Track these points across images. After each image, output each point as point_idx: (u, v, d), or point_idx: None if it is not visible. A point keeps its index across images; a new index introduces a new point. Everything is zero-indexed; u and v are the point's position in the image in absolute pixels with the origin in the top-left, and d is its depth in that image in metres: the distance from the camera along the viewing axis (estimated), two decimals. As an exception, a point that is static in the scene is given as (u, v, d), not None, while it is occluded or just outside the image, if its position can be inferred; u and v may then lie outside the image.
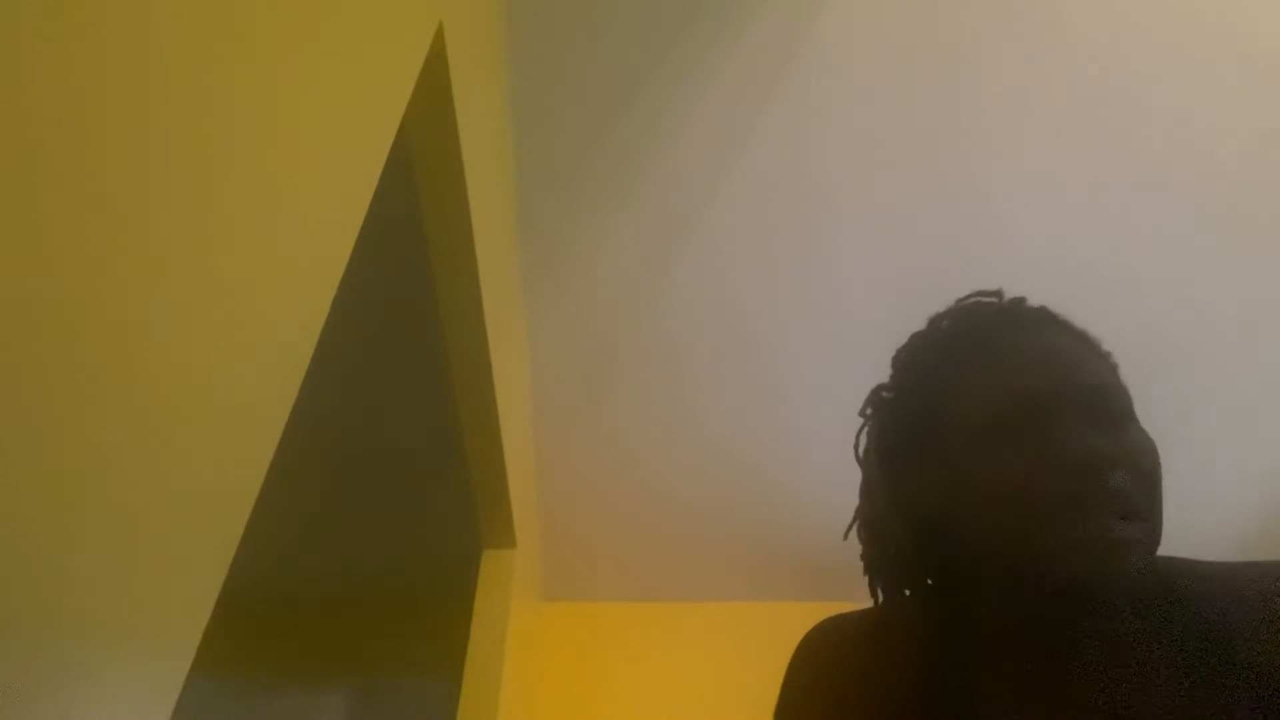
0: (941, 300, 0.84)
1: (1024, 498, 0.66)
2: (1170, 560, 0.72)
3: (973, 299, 0.81)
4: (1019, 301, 0.80)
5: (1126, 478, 0.65)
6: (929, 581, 0.80)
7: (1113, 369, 0.75)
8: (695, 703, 2.80)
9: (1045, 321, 0.76)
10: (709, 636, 2.98)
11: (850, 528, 0.84)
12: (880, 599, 0.81)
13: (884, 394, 0.83)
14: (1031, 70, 2.05)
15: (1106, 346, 0.79)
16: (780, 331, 2.47)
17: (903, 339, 0.85)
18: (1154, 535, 0.66)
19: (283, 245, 0.72)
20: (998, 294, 0.82)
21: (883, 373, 0.85)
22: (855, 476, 0.86)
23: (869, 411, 0.84)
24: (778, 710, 0.83)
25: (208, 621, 0.60)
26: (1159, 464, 0.68)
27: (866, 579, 0.82)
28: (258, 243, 0.67)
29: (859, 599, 0.86)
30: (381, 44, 1.00)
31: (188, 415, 0.57)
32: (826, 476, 2.67)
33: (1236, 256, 2.37)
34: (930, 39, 2.01)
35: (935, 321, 0.82)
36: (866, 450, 0.83)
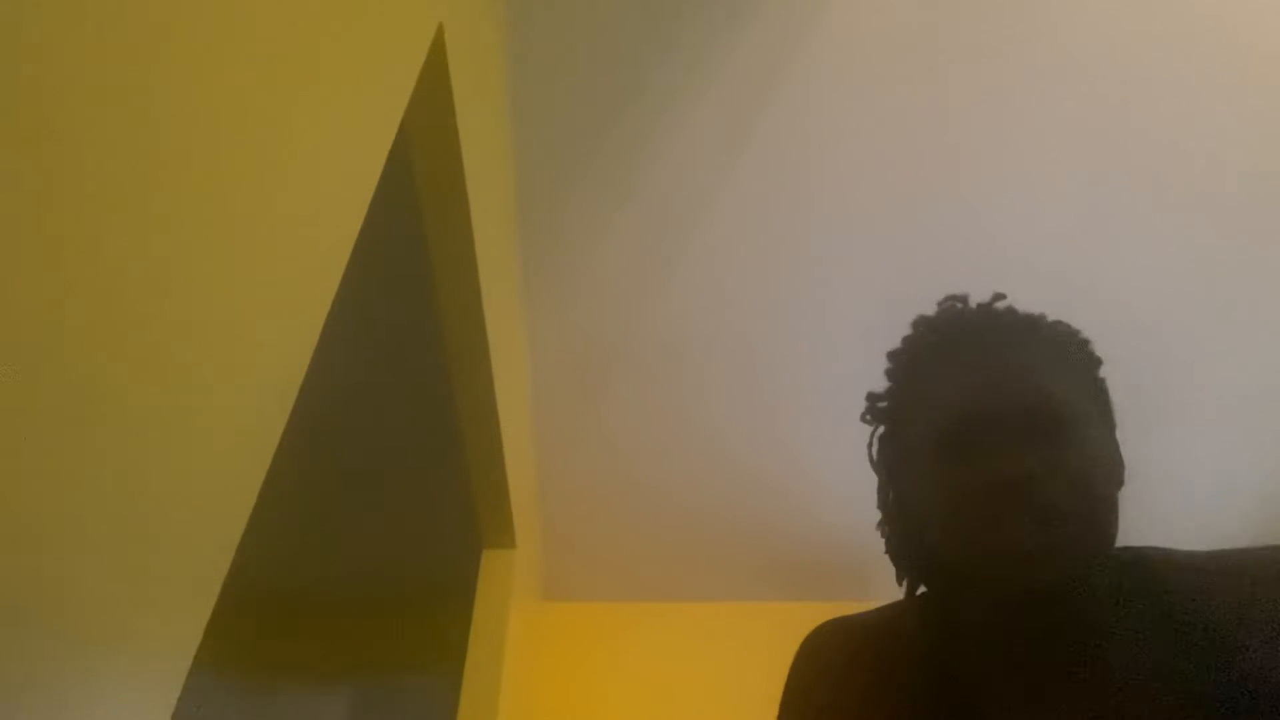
0: (938, 298, 0.85)
1: (961, 517, 0.71)
2: (1154, 551, 0.75)
3: (948, 304, 0.84)
4: (984, 310, 0.81)
5: (1051, 490, 0.68)
6: (928, 581, 0.81)
7: (1065, 375, 0.76)
8: (695, 703, 2.80)
9: (1001, 333, 0.78)
10: (709, 636, 2.98)
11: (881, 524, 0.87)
12: (905, 588, 0.83)
13: (876, 401, 0.86)
14: (1029, 77, 2.06)
15: (1088, 343, 0.81)
16: (779, 331, 2.47)
17: (900, 340, 0.86)
18: (1089, 536, 0.69)
19: (283, 245, 0.72)
20: (964, 299, 0.83)
21: (880, 373, 0.87)
22: (853, 477, 0.86)
23: (867, 417, 0.87)
24: (781, 711, 0.84)
25: (208, 621, 0.60)
26: (1099, 467, 0.71)
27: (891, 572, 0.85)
28: (258, 243, 0.67)
29: (859, 599, 0.87)
30: (381, 44, 1.00)
31: (188, 415, 0.57)
32: (826, 477, 2.68)
33: (1231, 259, 2.37)
34: (930, 42, 2.01)
35: (913, 329, 0.85)
36: (873, 455, 0.86)
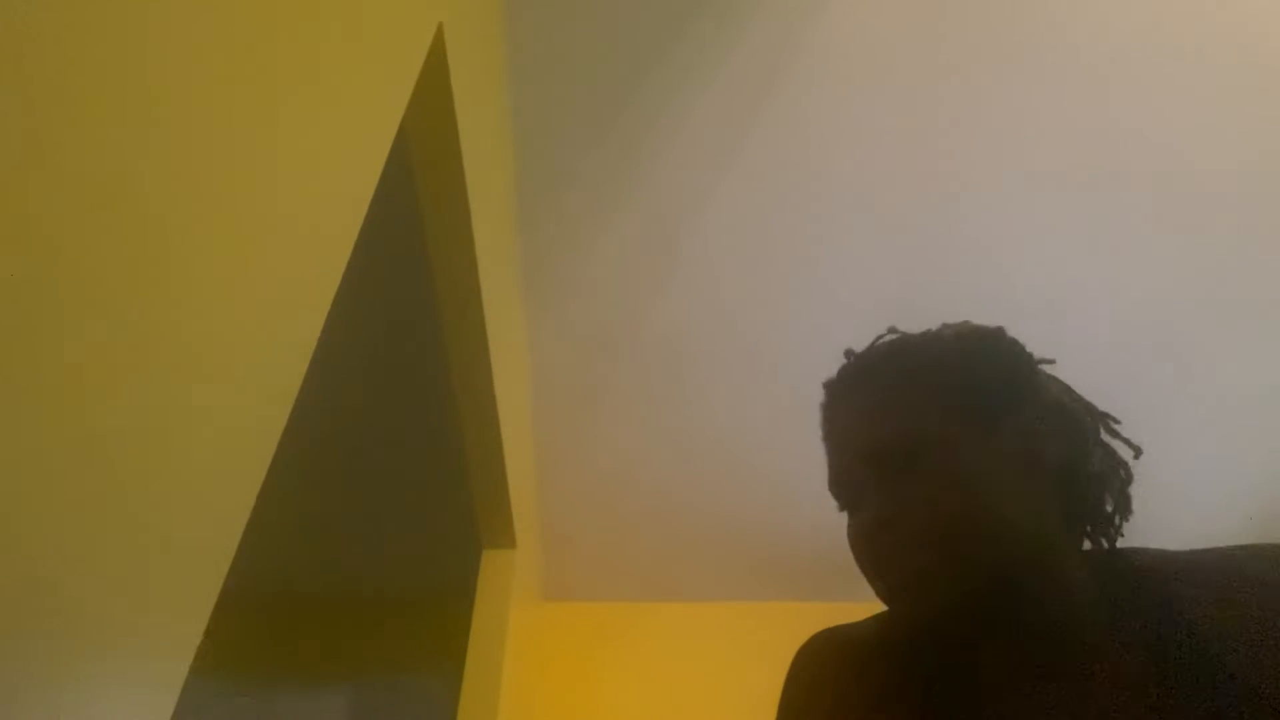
0: (934, 302, 0.85)
1: (858, 560, 0.78)
2: (1134, 552, 0.75)
3: (843, 360, 0.87)
4: (863, 356, 0.85)
5: (912, 521, 0.72)
6: None
7: (917, 403, 0.77)
8: (695, 703, 2.80)
9: (868, 378, 0.82)
10: (709, 636, 2.98)
11: None
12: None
13: None
14: (1028, 78, 2.06)
15: (969, 347, 0.82)
16: (779, 332, 2.47)
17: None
18: (975, 547, 0.71)
19: (282, 246, 0.72)
20: (852, 352, 0.87)
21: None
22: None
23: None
24: (779, 716, 0.84)
25: (208, 621, 0.60)
26: (965, 483, 0.73)
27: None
28: (258, 243, 0.67)
29: (858, 599, 0.87)
30: (381, 44, 1.00)
31: (188, 415, 0.57)
32: (825, 477, 2.67)
33: (1231, 260, 2.37)
34: (928, 47, 2.01)
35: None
36: None
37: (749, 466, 2.76)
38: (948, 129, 2.13)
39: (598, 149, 2.14)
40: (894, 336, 0.85)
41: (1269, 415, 2.70)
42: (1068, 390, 0.82)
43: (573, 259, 2.34)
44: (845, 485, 0.79)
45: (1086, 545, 0.77)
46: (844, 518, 0.84)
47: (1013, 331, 0.84)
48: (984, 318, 0.86)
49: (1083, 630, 0.70)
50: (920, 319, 0.86)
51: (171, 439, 0.55)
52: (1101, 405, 0.82)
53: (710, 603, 3.07)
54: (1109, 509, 0.77)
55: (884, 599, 0.77)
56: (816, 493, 0.90)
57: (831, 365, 0.86)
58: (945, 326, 0.84)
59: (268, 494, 0.70)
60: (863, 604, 0.87)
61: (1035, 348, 0.83)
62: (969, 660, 0.74)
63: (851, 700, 0.79)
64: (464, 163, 1.41)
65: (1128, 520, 0.77)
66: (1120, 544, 0.77)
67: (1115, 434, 0.80)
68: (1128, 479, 0.78)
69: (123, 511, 0.50)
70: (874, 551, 0.75)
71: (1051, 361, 0.82)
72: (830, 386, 0.86)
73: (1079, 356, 0.83)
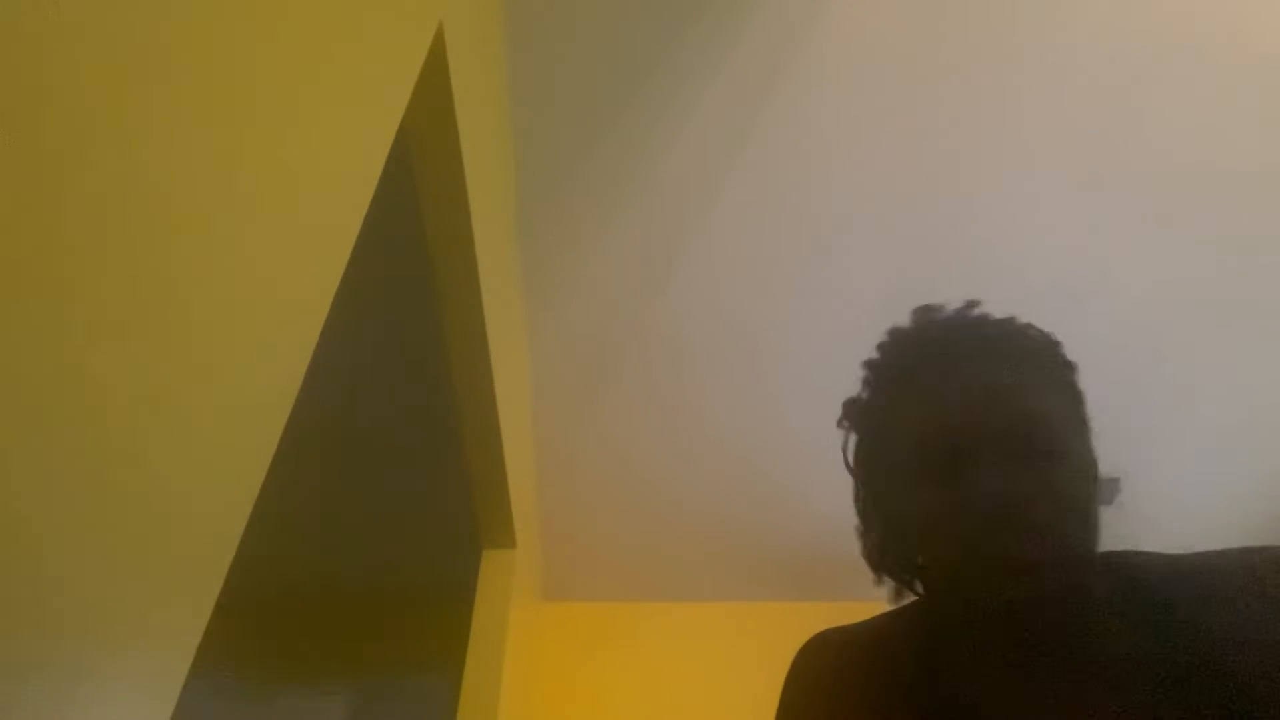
0: (934, 301, 0.84)
1: (950, 536, 0.72)
2: (1137, 555, 0.76)
3: (923, 314, 0.83)
4: (960, 320, 0.81)
5: (1042, 508, 0.69)
6: (911, 587, 0.81)
7: (1046, 387, 0.76)
8: (695, 703, 2.80)
9: (979, 345, 0.78)
10: (709, 636, 2.98)
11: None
12: (889, 591, 0.83)
13: (854, 409, 0.86)
14: (1028, 80, 2.06)
15: (1059, 345, 0.80)
16: (780, 331, 2.47)
17: (876, 349, 0.85)
18: (1078, 545, 0.70)
19: (283, 245, 0.72)
20: (939, 308, 0.82)
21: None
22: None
23: (845, 424, 0.86)
24: (778, 718, 0.84)
25: (208, 621, 0.60)
26: (1083, 479, 0.72)
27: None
28: (258, 243, 0.67)
29: (859, 599, 0.87)
30: (381, 44, 1.00)
31: (188, 415, 0.57)
32: (826, 477, 2.67)
33: (1231, 263, 2.37)
34: (928, 46, 2.01)
35: (890, 339, 0.84)
36: (851, 460, 0.86)
37: (749, 466, 2.76)
38: (948, 129, 2.13)
39: (598, 149, 2.14)
40: (980, 311, 0.81)
41: (1268, 416, 2.69)
42: None
43: (573, 259, 2.34)
44: (937, 450, 0.73)
45: None
46: (842, 518, 0.84)
47: None
48: (983, 317, 0.85)
49: (1087, 632, 0.70)
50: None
51: (172, 439, 0.55)
52: (1101, 405, 0.82)
53: (710, 603, 3.07)
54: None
55: (946, 576, 0.74)
56: (817, 493, 0.89)
57: (831, 364, 0.86)
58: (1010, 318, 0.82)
59: (268, 494, 0.70)
60: (863, 604, 0.87)
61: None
62: (971, 660, 0.74)
63: (851, 701, 0.79)
64: (464, 163, 1.41)
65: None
66: (1120, 546, 0.77)
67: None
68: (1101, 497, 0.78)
69: (123, 511, 0.50)
70: (985, 528, 0.69)
71: None
72: (911, 343, 0.81)
73: (1079, 356, 0.82)
